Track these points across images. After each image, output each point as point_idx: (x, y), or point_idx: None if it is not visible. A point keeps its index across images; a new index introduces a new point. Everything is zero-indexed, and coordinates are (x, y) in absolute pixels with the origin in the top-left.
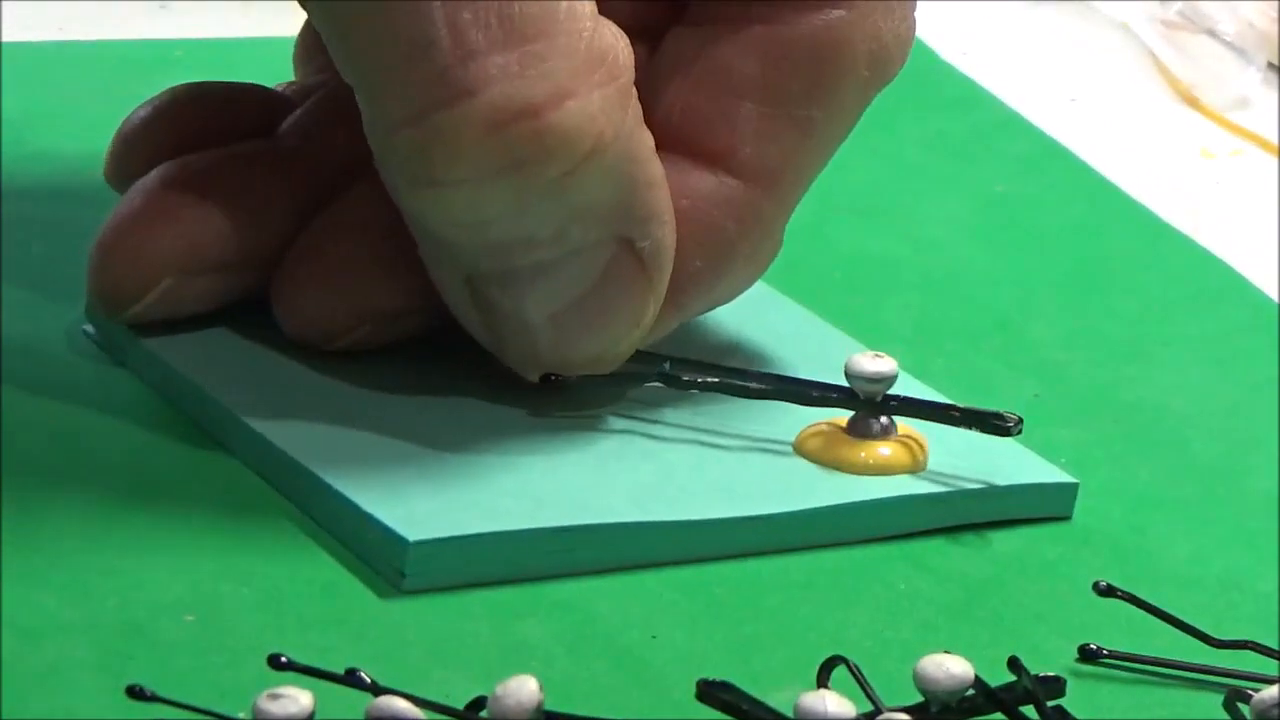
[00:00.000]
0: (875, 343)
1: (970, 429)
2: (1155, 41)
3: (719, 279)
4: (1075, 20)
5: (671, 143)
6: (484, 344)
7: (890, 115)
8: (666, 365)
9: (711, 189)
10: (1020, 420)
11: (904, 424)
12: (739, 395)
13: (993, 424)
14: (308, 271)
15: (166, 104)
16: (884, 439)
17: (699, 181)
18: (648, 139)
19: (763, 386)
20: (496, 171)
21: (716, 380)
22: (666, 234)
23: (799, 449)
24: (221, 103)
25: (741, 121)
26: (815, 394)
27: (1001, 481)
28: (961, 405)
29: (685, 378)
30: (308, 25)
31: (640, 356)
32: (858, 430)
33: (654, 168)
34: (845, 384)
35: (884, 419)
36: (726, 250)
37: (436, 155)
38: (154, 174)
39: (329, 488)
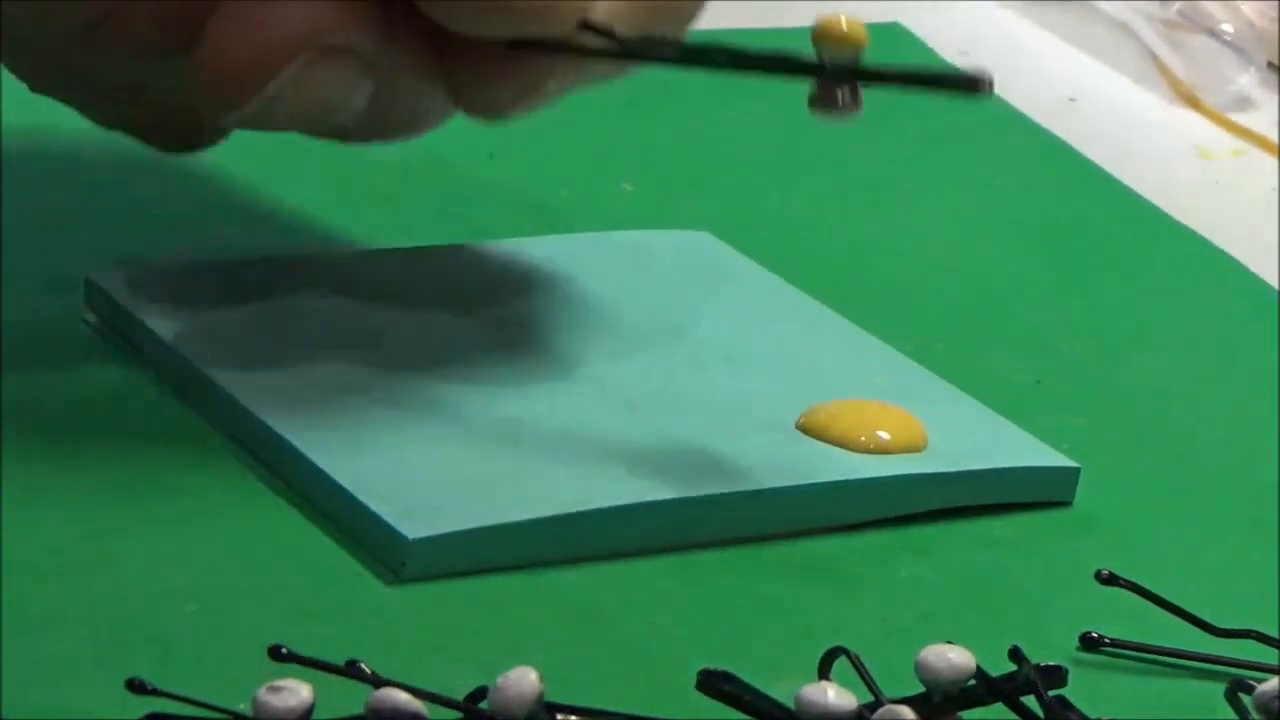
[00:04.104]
0: (877, 329)
1: (939, 90)
2: (1155, 41)
3: None
4: (1075, 20)
5: None
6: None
7: (891, 113)
8: (629, 42)
9: None
10: (991, 82)
11: (903, 408)
12: (702, 66)
13: (960, 83)
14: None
15: None
16: (851, 109)
17: None
18: None
19: (720, 57)
20: None
21: (681, 54)
22: None
23: (801, 427)
24: None
25: None
26: (781, 64)
27: (1002, 464)
28: (929, 71)
29: (649, 51)
30: None
31: (603, 32)
32: (820, 101)
33: None
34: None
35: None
36: None
37: None
38: None
39: (330, 479)
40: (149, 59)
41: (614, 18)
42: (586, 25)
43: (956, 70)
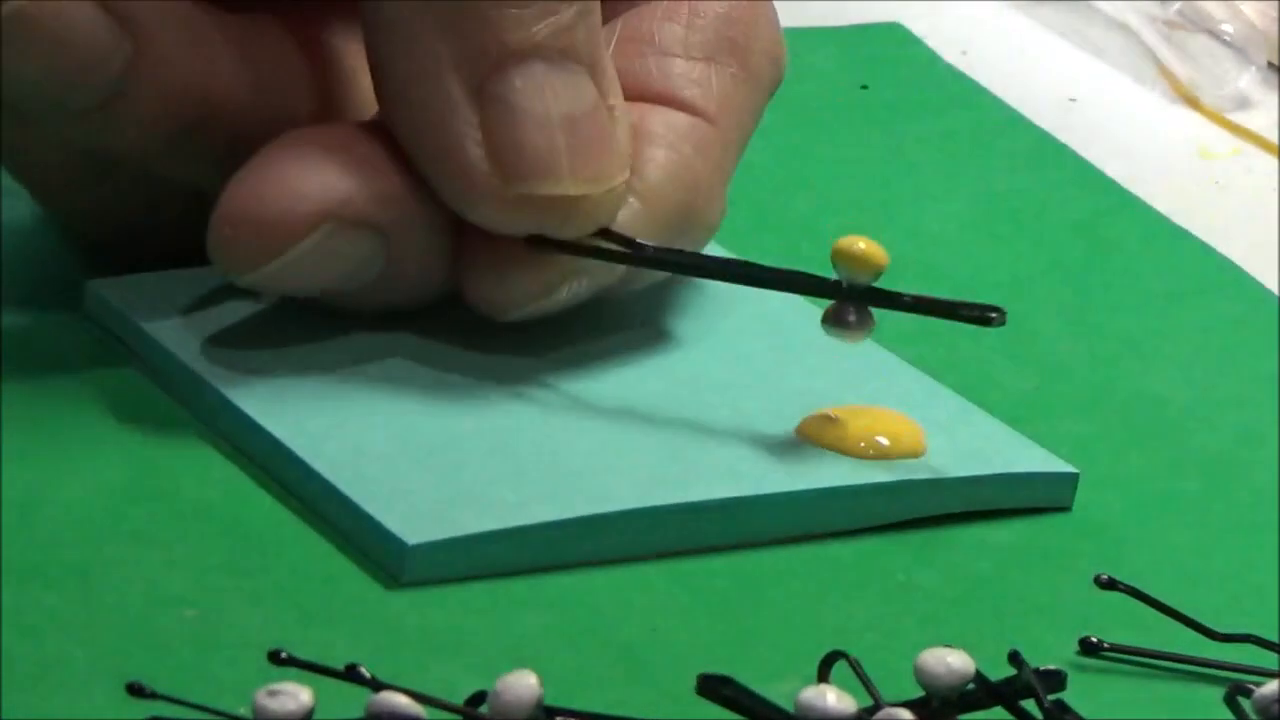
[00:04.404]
0: (877, 335)
1: (953, 318)
2: (1155, 41)
3: (677, 182)
4: (1075, 20)
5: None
6: (476, 187)
7: (890, 115)
8: (649, 250)
9: (663, 116)
10: (1003, 313)
11: (902, 413)
12: (718, 279)
13: (973, 313)
14: (267, 155)
15: None
16: (861, 330)
17: (647, 109)
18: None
19: (739, 271)
20: None
21: (699, 264)
22: (620, 108)
23: (800, 434)
24: None
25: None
26: (797, 282)
27: (1001, 470)
28: (943, 299)
29: (668, 259)
30: None
31: (622, 240)
32: (832, 319)
33: (610, 65)
34: (829, 275)
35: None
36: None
37: None
38: (279, 141)
39: (329, 485)
40: (155, 142)
41: (633, 227)
42: (607, 233)
43: (969, 301)
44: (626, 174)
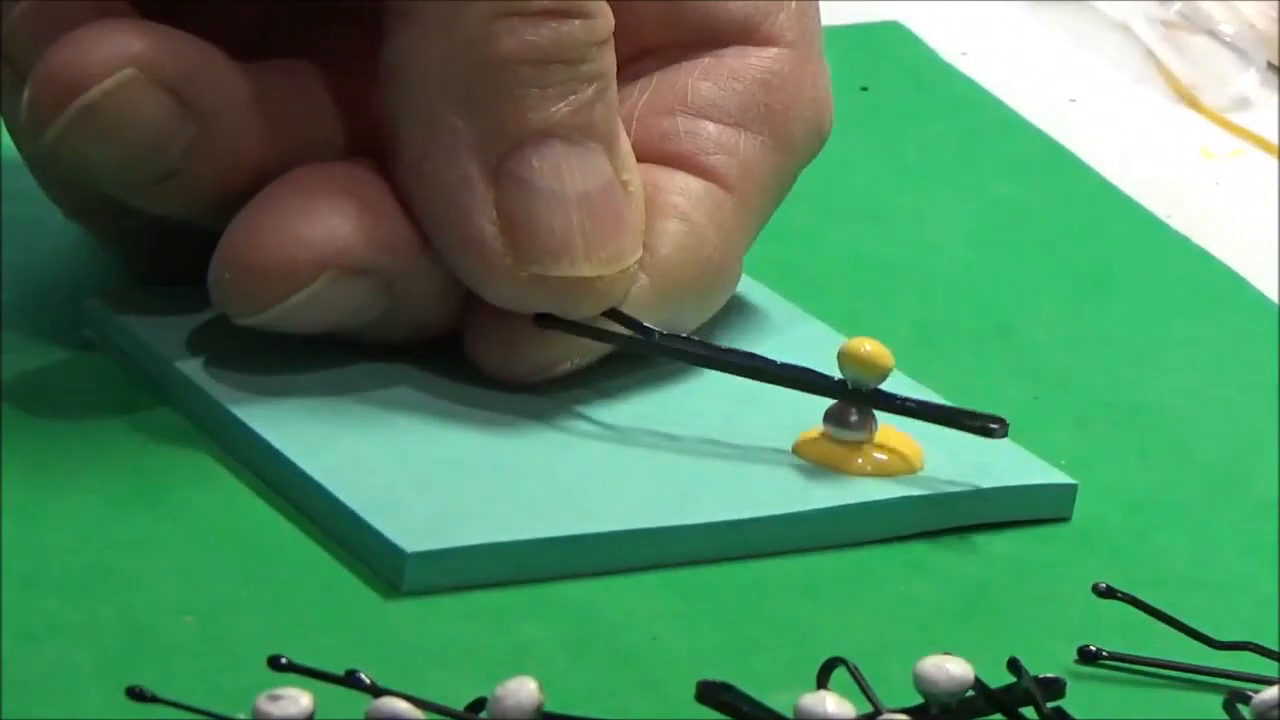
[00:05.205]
0: None
1: (956, 427)
2: (1155, 41)
3: (688, 256)
4: (1075, 20)
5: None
6: (489, 265)
7: (890, 116)
8: (656, 335)
9: (681, 182)
10: (1005, 424)
11: (899, 428)
12: (724, 370)
13: (976, 423)
14: (269, 202)
15: None
16: (863, 431)
17: (665, 175)
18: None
19: (745, 364)
20: None
21: (706, 354)
22: (635, 183)
23: (797, 452)
24: None
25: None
26: (803, 380)
27: (1000, 483)
28: (947, 405)
29: (675, 346)
30: None
31: (630, 324)
32: (834, 418)
33: (625, 140)
34: (835, 374)
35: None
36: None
37: None
38: (277, 183)
39: (329, 494)
40: (205, 212)
41: (642, 303)
42: (615, 314)
43: (972, 410)
44: (639, 253)
